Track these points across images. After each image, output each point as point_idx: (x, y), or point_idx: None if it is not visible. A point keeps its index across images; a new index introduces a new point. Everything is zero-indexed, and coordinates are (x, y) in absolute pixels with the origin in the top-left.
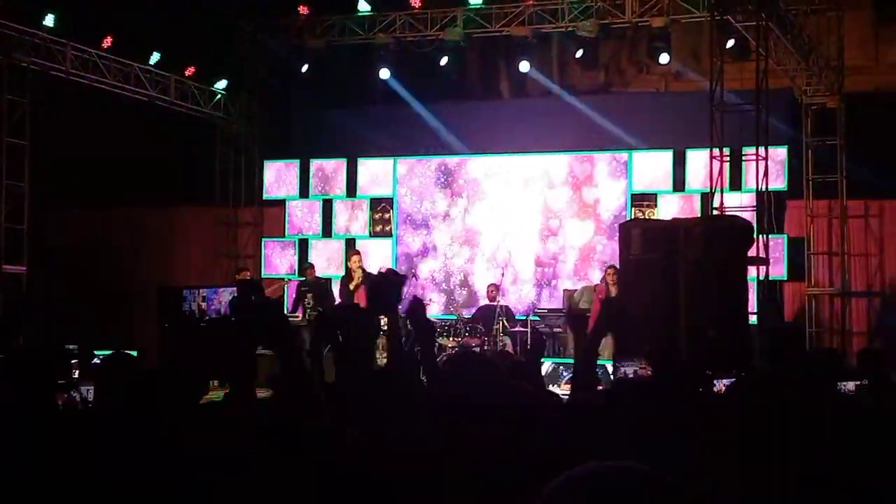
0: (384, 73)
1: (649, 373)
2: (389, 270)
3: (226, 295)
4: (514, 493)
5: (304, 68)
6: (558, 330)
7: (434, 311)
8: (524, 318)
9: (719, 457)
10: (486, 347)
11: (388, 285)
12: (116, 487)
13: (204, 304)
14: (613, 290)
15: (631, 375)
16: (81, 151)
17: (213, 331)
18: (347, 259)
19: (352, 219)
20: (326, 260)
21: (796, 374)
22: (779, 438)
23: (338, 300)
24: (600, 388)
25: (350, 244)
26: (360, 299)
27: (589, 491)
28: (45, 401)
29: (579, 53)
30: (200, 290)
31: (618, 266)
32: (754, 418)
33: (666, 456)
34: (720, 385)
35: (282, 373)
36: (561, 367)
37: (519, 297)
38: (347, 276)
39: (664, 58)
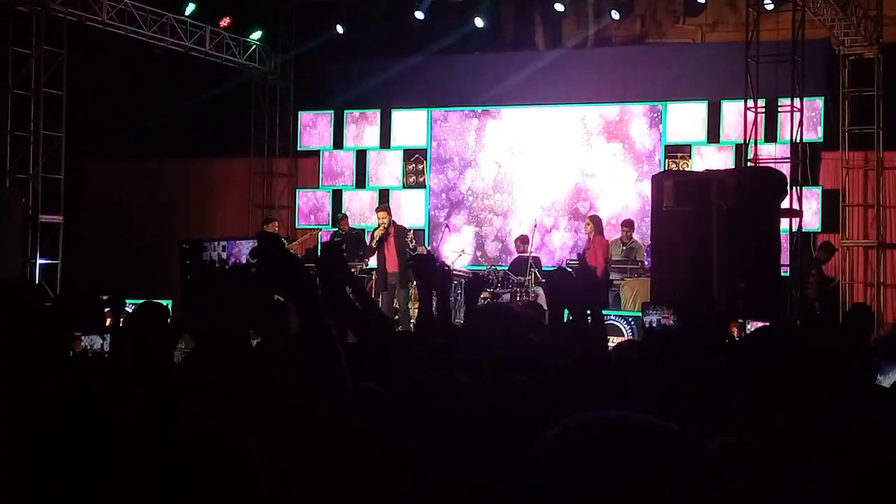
0: (419, 14)
1: (672, 323)
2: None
3: (246, 246)
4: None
5: (339, 25)
6: None
7: (466, 261)
8: (554, 269)
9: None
10: (518, 298)
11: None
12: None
13: (223, 254)
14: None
15: (655, 325)
16: (117, 102)
17: (234, 280)
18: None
19: (385, 169)
20: (362, 211)
21: (830, 328)
22: (802, 390)
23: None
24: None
25: (383, 195)
26: (390, 253)
27: (584, 439)
28: (56, 347)
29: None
30: (220, 242)
31: (595, 217)
32: (777, 368)
33: (692, 408)
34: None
35: (301, 327)
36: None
37: (551, 248)
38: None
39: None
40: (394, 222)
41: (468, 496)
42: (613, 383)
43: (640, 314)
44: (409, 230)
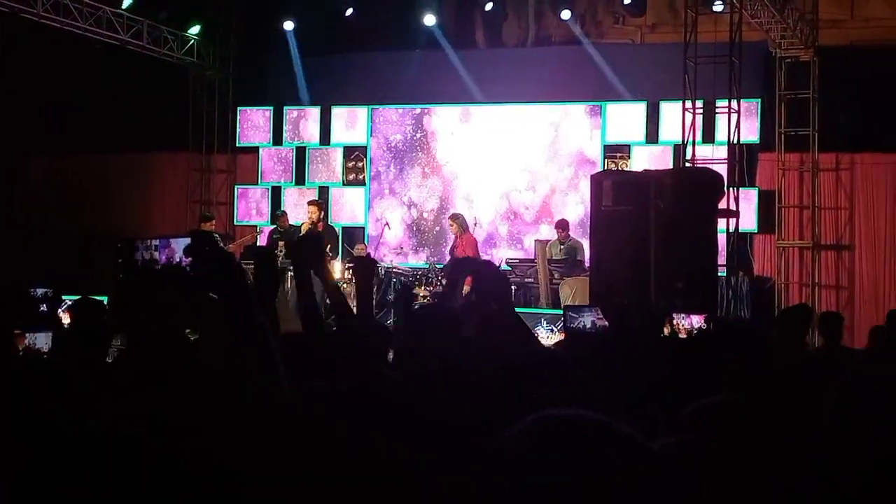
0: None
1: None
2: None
3: (179, 245)
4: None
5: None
6: (530, 280)
7: (410, 260)
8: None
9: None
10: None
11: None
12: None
13: (156, 254)
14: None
15: (589, 326)
16: (53, 96)
17: (168, 280)
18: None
19: (325, 167)
20: (297, 207)
21: (770, 326)
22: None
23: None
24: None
25: (322, 193)
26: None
27: (543, 438)
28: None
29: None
30: (153, 241)
31: (457, 215)
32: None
33: (619, 406)
34: (685, 321)
35: (234, 327)
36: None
37: (491, 247)
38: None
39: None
40: (324, 220)
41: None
42: (565, 382)
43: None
44: (337, 228)
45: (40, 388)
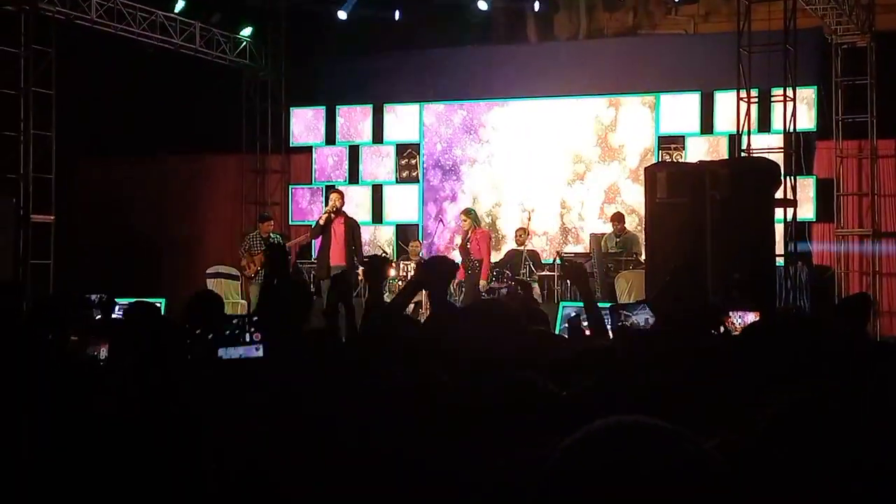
0: (341, 14)
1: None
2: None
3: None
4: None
5: (343, 15)
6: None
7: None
8: (550, 262)
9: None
10: (512, 291)
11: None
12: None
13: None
14: (460, 238)
15: (642, 324)
16: (108, 101)
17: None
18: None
19: (378, 165)
20: (355, 206)
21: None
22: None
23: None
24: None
25: (376, 190)
26: (337, 243)
27: (603, 446)
28: (57, 350)
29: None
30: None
31: (470, 210)
32: (776, 359)
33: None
34: (739, 321)
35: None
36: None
37: (545, 241)
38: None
39: None
40: (345, 213)
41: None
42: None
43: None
44: (359, 224)
45: (92, 392)
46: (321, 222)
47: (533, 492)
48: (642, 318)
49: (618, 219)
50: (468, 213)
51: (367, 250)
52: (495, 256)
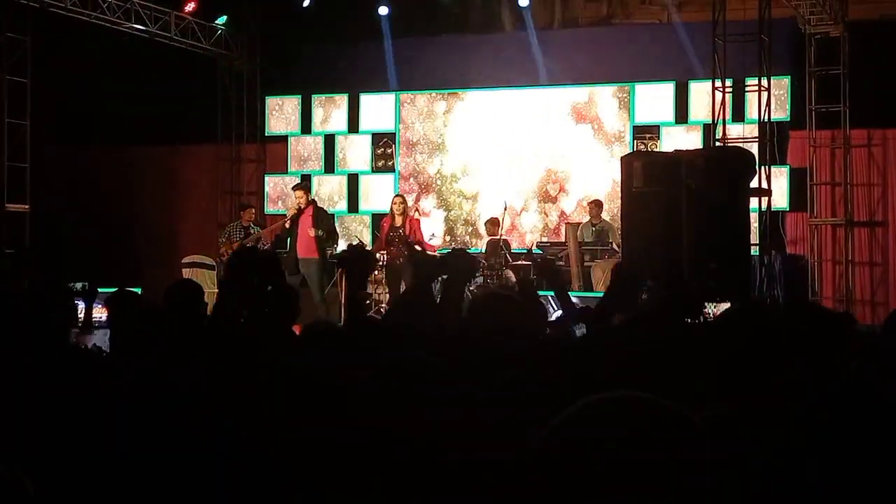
0: (382, 10)
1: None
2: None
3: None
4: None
5: (306, 3)
6: (560, 263)
7: (437, 244)
8: (526, 251)
9: (715, 385)
10: (489, 282)
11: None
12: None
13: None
14: (398, 220)
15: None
16: (83, 89)
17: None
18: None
19: (354, 154)
20: (331, 195)
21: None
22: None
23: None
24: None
25: (352, 180)
26: (302, 237)
27: (595, 420)
28: (59, 343)
29: None
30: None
31: (402, 195)
32: (753, 345)
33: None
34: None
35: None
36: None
37: (521, 230)
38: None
39: None
40: (314, 202)
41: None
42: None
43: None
44: (333, 214)
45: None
46: (287, 225)
47: (523, 469)
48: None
49: (596, 205)
50: (401, 197)
51: (342, 240)
52: (475, 249)
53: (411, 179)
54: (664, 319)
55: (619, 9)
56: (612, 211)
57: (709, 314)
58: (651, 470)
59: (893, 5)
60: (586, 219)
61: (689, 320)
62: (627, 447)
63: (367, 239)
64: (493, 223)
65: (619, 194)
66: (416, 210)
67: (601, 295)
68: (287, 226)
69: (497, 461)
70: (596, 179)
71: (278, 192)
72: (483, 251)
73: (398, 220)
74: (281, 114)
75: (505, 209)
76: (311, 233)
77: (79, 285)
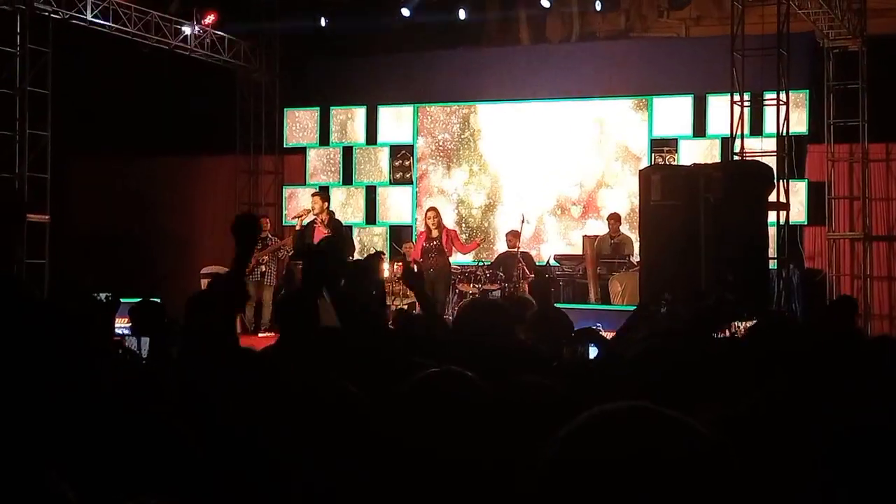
0: (405, 12)
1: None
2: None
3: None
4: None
5: (323, 23)
6: (579, 276)
7: (455, 257)
8: (544, 264)
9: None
10: (505, 294)
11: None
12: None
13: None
14: (434, 233)
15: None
16: (104, 100)
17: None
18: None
19: (372, 166)
20: (349, 207)
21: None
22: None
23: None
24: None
25: (370, 192)
26: (318, 234)
27: (604, 430)
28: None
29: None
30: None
31: (435, 208)
32: (773, 362)
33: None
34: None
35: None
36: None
37: (539, 243)
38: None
39: None
40: (332, 214)
41: (480, 486)
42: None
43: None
44: (349, 226)
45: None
46: (298, 228)
47: (532, 482)
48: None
49: (615, 218)
50: (437, 211)
51: (359, 250)
52: (489, 258)
53: (430, 191)
54: (693, 338)
55: (637, 22)
56: (631, 222)
57: (735, 330)
58: (660, 483)
59: None
60: (605, 231)
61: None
62: (635, 459)
63: (386, 251)
64: (513, 235)
65: (637, 207)
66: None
67: (619, 309)
68: (298, 228)
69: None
70: (614, 193)
71: (297, 203)
72: (481, 263)
73: (434, 233)
74: (299, 125)
75: (523, 221)
76: (326, 232)
77: (102, 296)
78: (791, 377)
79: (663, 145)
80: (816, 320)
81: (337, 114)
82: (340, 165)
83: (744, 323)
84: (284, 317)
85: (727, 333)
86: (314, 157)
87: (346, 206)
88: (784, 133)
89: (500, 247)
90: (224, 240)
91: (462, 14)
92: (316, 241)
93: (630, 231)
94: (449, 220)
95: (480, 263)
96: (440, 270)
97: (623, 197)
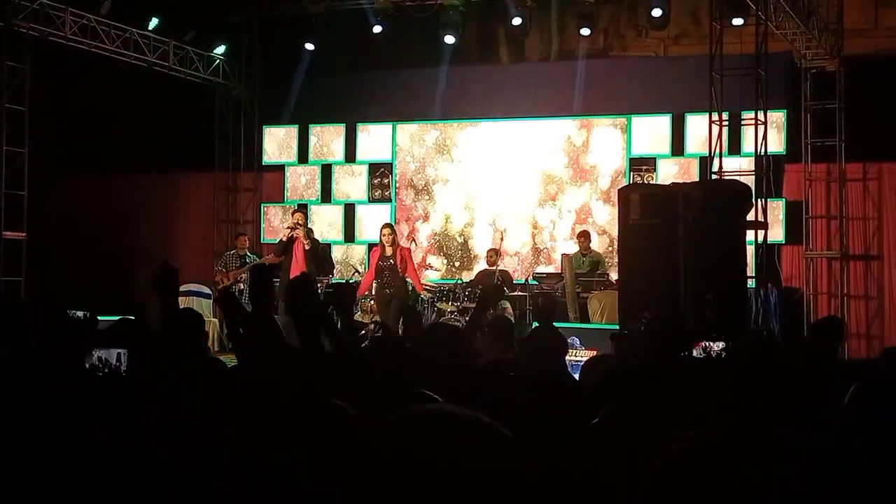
0: (449, 40)
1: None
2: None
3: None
4: None
5: (308, 43)
6: (558, 295)
7: (435, 276)
8: (522, 282)
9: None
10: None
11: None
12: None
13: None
14: (388, 250)
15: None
16: (82, 118)
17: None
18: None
19: (351, 184)
20: (328, 225)
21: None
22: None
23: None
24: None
25: (349, 209)
26: (297, 263)
27: (411, 431)
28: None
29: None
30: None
31: (391, 225)
32: (753, 381)
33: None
34: (713, 347)
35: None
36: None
37: (517, 261)
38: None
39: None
40: (311, 232)
41: None
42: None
43: (612, 327)
44: (321, 243)
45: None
46: (283, 239)
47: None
48: None
49: (584, 236)
50: (392, 228)
51: (339, 269)
52: (467, 276)
53: (408, 209)
54: (659, 353)
55: (615, 41)
56: (612, 243)
57: (710, 349)
58: (465, 482)
59: (888, 40)
60: (574, 250)
61: (684, 353)
62: (444, 460)
63: (362, 269)
64: (494, 252)
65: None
66: (412, 240)
67: (597, 327)
68: (284, 240)
69: None
70: (591, 211)
71: (275, 221)
72: (459, 281)
73: (388, 251)
74: (277, 143)
75: (501, 239)
76: (306, 245)
77: (79, 314)
78: (770, 397)
79: (642, 164)
80: (801, 340)
81: (316, 131)
82: (319, 183)
83: (714, 343)
84: (243, 337)
85: (702, 353)
86: (293, 175)
87: (325, 223)
88: (762, 152)
89: (481, 265)
90: (201, 257)
91: (449, 39)
92: (298, 253)
93: (608, 250)
94: (425, 239)
95: (458, 282)
96: (397, 289)
97: (602, 216)
